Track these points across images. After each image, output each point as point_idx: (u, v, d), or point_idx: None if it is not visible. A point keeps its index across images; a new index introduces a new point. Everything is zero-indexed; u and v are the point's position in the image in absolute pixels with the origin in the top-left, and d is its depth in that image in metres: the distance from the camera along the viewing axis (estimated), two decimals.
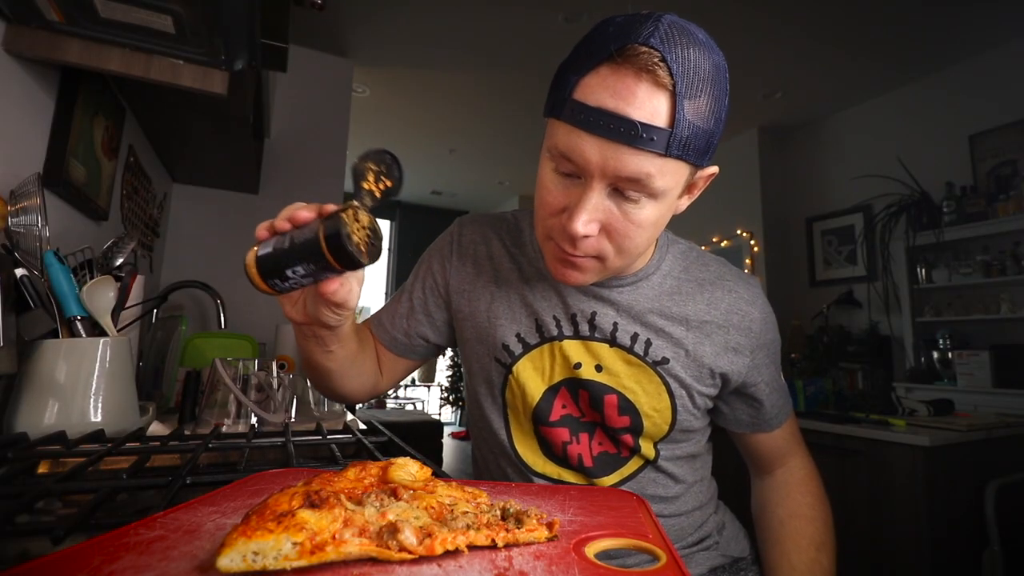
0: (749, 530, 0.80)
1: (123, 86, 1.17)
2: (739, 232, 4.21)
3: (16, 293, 0.71)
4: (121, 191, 1.33)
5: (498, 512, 0.32)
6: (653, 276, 0.67)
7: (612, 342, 0.66)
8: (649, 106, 0.47)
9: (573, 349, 0.67)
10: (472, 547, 0.28)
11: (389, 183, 0.47)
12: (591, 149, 0.49)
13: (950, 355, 3.08)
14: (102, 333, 0.77)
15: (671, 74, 0.47)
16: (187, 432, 0.72)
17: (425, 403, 6.81)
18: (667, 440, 0.68)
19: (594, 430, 0.69)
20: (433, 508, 0.31)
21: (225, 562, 0.24)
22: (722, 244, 4.31)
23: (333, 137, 2.68)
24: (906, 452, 1.54)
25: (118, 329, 0.81)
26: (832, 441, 1.75)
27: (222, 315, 1.58)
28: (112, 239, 0.96)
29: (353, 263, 0.44)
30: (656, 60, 0.46)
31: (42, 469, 0.57)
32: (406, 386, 6.85)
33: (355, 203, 0.45)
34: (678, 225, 0.62)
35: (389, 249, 6.43)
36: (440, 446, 3.73)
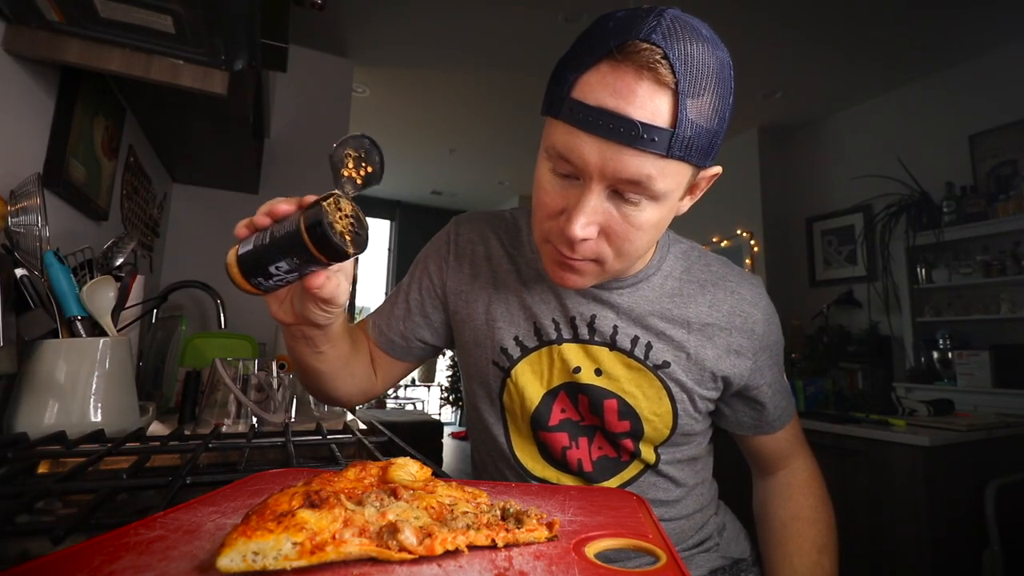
0: (750, 531, 0.79)
1: (123, 86, 1.17)
2: (739, 232, 4.20)
3: (16, 293, 0.71)
4: (121, 191, 1.33)
5: (498, 512, 0.32)
6: (654, 277, 0.66)
7: (612, 345, 0.64)
8: (650, 105, 0.45)
9: (572, 353, 0.65)
10: (472, 547, 0.28)
11: (370, 168, 0.45)
12: (590, 150, 0.47)
13: (950, 355, 3.08)
14: (102, 333, 0.77)
15: (673, 72, 0.45)
16: (187, 432, 0.72)
17: (425, 403, 6.81)
18: (668, 444, 0.67)
19: (594, 434, 0.67)
20: (433, 508, 0.31)
21: (225, 562, 0.24)
22: (722, 244, 4.31)
23: (333, 137, 2.62)
24: (906, 452, 1.54)
25: (118, 329, 0.81)
26: (832, 441, 1.74)
27: (222, 315, 1.58)
28: (112, 239, 0.96)
29: (337, 253, 0.42)
30: (658, 57, 0.45)
31: (42, 469, 0.57)
32: (406, 386, 6.85)
33: (336, 192, 0.44)
34: (678, 225, 0.61)
35: (389, 249, 6.42)
36: (440, 446, 3.73)
